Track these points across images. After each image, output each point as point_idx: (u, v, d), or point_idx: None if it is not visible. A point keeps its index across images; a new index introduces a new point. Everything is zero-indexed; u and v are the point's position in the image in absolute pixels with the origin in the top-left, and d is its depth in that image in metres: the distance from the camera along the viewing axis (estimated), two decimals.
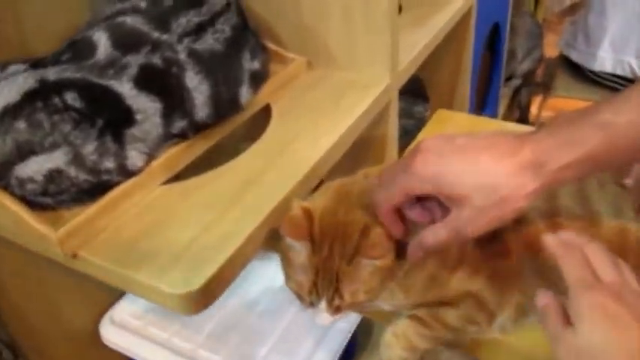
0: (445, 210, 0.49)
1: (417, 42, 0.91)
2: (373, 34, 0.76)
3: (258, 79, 0.73)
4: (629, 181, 0.61)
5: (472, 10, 1.18)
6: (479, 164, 0.46)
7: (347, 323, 0.84)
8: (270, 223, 0.57)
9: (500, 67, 1.69)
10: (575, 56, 1.85)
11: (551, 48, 2.41)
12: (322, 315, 0.59)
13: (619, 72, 1.64)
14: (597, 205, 0.60)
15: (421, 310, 0.61)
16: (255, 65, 0.72)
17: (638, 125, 0.43)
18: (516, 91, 2.17)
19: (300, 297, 0.59)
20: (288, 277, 0.59)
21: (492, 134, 0.49)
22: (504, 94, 2.06)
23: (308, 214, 0.56)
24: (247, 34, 0.73)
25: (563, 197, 0.60)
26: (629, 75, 1.60)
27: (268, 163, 0.64)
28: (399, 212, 0.53)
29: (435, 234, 0.50)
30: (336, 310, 0.58)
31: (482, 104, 1.66)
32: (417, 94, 1.51)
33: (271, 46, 0.82)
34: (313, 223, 0.56)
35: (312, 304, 0.59)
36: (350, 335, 0.86)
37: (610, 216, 0.58)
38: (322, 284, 0.56)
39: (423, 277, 0.60)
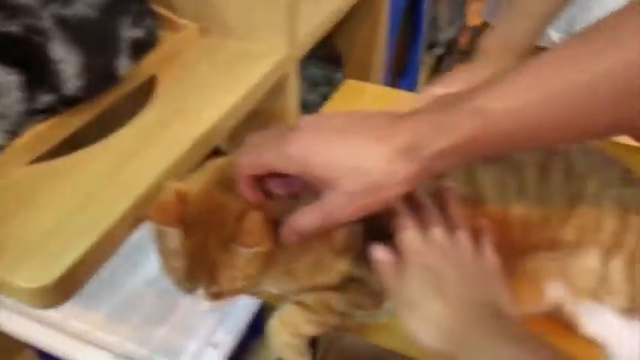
0: (307, 185, 0.47)
1: (322, 10, 0.87)
2: (269, 1, 0.72)
3: (140, 48, 0.67)
4: None
5: None
6: (352, 147, 0.44)
7: (251, 299, 0.82)
8: (143, 204, 0.53)
9: (420, 35, 1.67)
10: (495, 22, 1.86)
11: (477, 16, 2.42)
12: (202, 302, 0.56)
13: (541, 43, 1.66)
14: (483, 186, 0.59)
15: (308, 295, 0.59)
16: (138, 33, 0.67)
17: (515, 115, 0.40)
18: (439, 60, 2.18)
19: (176, 283, 0.56)
20: (162, 264, 0.55)
21: (372, 113, 0.46)
22: (427, 62, 2.06)
23: (181, 196, 0.52)
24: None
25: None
26: (549, 47, 1.62)
27: (146, 140, 0.60)
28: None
29: (305, 219, 0.48)
30: (215, 296, 0.55)
31: (401, 72, 1.65)
32: (337, 61, 1.48)
33: (161, 11, 0.76)
34: (186, 207, 0.52)
35: (190, 291, 0.55)
36: (255, 312, 0.83)
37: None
38: (197, 271, 0.53)
39: (308, 261, 0.57)
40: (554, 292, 0.58)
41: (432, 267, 0.49)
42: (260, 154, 0.48)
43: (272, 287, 0.60)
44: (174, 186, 0.53)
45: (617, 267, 0.57)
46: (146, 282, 0.89)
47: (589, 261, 0.57)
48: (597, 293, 0.57)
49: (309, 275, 0.58)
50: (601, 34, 0.38)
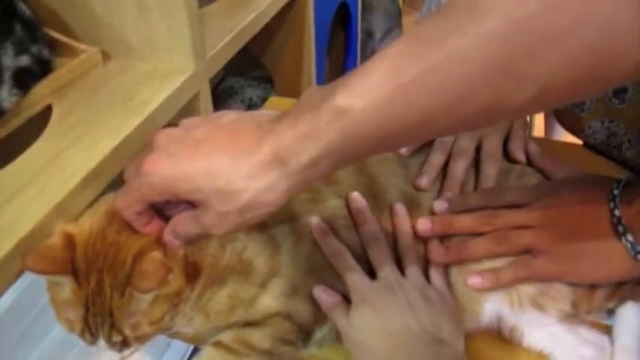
0: None
1: (235, 25, 0.82)
2: (170, 20, 0.67)
3: (27, 78, 0.62)
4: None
5: None
6: (214, 165, 0.39)
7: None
8: (26, 249, 0.47)
9: (354, 48, 1.65)
10: None
11: (414, 26, 2.43)
12: (108, 353, 0.50)
13: None
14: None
15: (226, 335, 0.53)
16: (23, 61, 0.61)
17: (376, 110, 0.35)
18: None
19: (78, 336, 0.49)
20: (57, 315, 0.49)
21: (233, 120, 0.41)
22: None
23: (68, 240, 0.47)
24: (11, 24, 0.61)
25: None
26: None
27: (35, 174, 0.54)
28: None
29: (184, 225, 0.44)
30: (121, 346, 0.49)
31: None
32: (269, 80, 1.45)
33: (56, 35, 0.70)
34: (76, 251, 0.46)
35: (92, 343, 0.49)
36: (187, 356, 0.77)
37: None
38: (95, 321, 0.47)
39: (224, 296, 0.52)
40: (494, 307, 0.54)
41: (379, 307, 0.47)
42: (128, 193, 0.43)
43: (186, 328, 0.54)
44: (61, 229, 0.47)
45: None
46: (62, 338, 0.81)
47: None
48: (539, 301, 0.53)
49: (227, 312, 0.53)
50: (459, 7, 0.33)
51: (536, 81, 0.32)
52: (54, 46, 0.69)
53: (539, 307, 0.54)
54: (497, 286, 0.53)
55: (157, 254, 0.45)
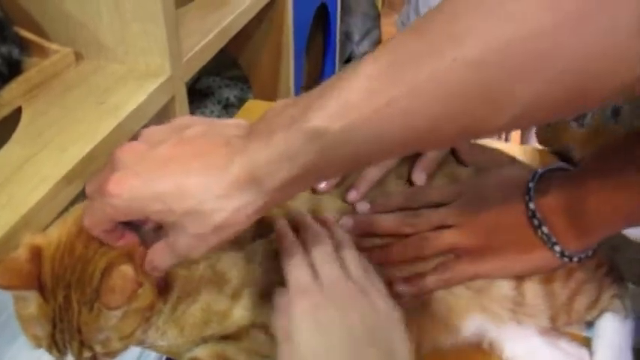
0: None
1: (213, 27, 0.81)
2: (145, 20, 0.65)
3: None
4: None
5: None
6: (184, 185, 0.37)
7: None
8: None
9: (333, 49, 1.64)
10: None
11: (393, 27, 2.43)
12: None
13: None
14: None
15: (202, 350, 0.52)
16: None
17: (353, 133, 0.34)
18: None
19: (47, 351, 0.47)
20: (23, 330, 0.47)
21: (200, 134, 0.40)
22: None
23: (35, 253, 0.45)
24: None
25: None
26: None
27: (2, 181, 0.51)
28: None
29: (159, 258, 0.43)
30: None
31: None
32: (246, 81, 1.43)
33: (28, 35, 0.68)
34: (42, 265, 0.44)
35: (61, 359, 0.47)
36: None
37: None
38: (63, 337, 0.45)
39: (198, 309, 0.50)
40: (472, 325, 0.53)
41: (319, 306, 0.44)
42: (94, 213, 0.42)
43: (159, 342, 0.52)
44: (28, 240, 0.45)
45: (531, 287, 0.53)
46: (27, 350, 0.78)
47: (502, 288, 0.53)
48: (517, 317, 0.53)
49: (201, 325, 0.51)
50: (437, 28, 0.32)
51: (514, 105, 0.31)
52: (24, 45, 0.67)
53: (518, 321, 0.53)
54: (423, 292, 0.52)
55: (125, 268, 0.44)
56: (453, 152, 0.61)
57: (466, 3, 0.31)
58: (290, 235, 0.50)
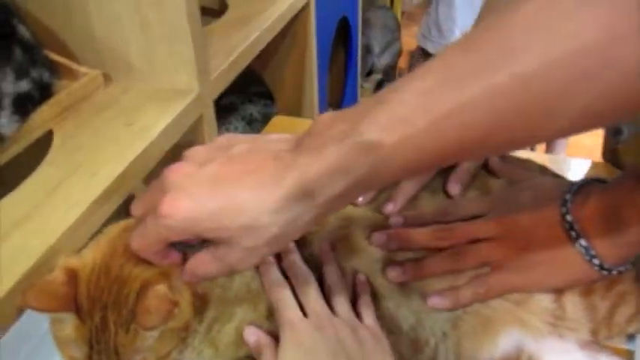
0: None
1: (238, 45, 0.81)
2: (172, 41, 0.66)
3: (27, 103, 0.60)
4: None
5: (310, 5, 1.10)
6: (237, 202, 0.38)
7: None
8: (27, 286, 0.45)
9: (354, 63, 1.64)
10: (430, 47, 1.87)
11: (413, 39, 2.43)
12: None
13: None
14: None
15: None
16: (23, 86, 0.59)
17: (408, 145, 0.35)
18: (379, 86, 2.16)
19: None
20: (60, 352, 0.47)
21: (246, 151, 0.40)
22: (367, 89, 2.04)
23: (71, 275, 0.45)
24: (11, 48, 0.60)
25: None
26: None
27: (37, 204, 0.52)
28: None
29: (205, 267, 0.42)
30: None
31: (339, 102, 1.61)
32: (271, 97, 1.44)
33: (57, 58, 0.69)
34: (78, 286, 0.44)
35: None
36: None
37: None
38: (99, 358, 0.45)
39: (232, 327, 0.50)
40: (511, 340, 0.52)
41: (309, 347, 0.45)
42: (145, 235, 0.42)
43: None
44: (63, 262, 0.45)
45: (571, 300, 0.52)
46: None
47: (542, 302, 0.52)
48: (557, 330, 0.52)
49: (236, 344, 0.51)
50: (491, 44, 0.33)
51: (567, 117, 0.33)
52: (54, 68, 0.68)
53: (559, 335, 0.52)
54: (459, 306, 0.52)
55: (161, 288, 0.44)
56: (484, 164, 0.61)
57: (521, 20, 0.32)
58: (275, 270, 0.50)
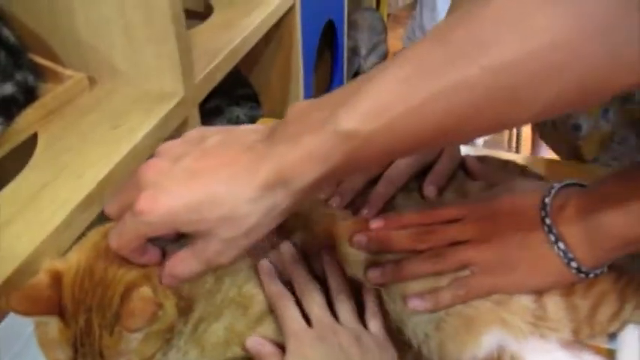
0: None
1: (223, 48, 0.81)
2: (157, 44, 0.66)
3: (12, 106, 0.60)
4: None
5: (295, 8, 1.11)
6: (214, 193, 0.38)
7: None
8: (11, 289, 0.45)
9: (341, 66, 1.65)
10: None
11: (399, 41, 2.44)
12: None
13: None
14: None
15: None
16: (7, 89, 0.59)
17: (385, 133, 0.36)
18: None
19: None
20: (45, 356, 0.47)
21: (219, 143, 0.41)
22: None
23: (55, 278, 0.45)
24: None
25: None
26: None
27: (21, 206, 0.52)
28: None
29: (184, 265, 0.42)
30: None
31: None
32: (255, 99, 1.44)
33: (42, 61, 0.69)
34: (62, 289, 0.44)
35: None
36: None
37: None
38: None
39: (220, 328, 0.50)
40: (492, 339, 0.52)
41: (313, 357, 0.46)
42: (124, 232, 0.42)
43: None
44: (48, 266, 0.45)
45: (552, 300, 0.52)
46: None
47: (521, 300, 0.52)
48: (539, 330, 0.52)
49: (223, 345, 0.51)
50: (463, 37, 0.35)
51: (538, 104, 0.34)
52: (39, 71, 0.68)
53: (540, 335, 0.53)
54: (438, 308, 0.52)
55: (145, 290, 0.44)
56: (463, 166, 0.61)
57: (491, 14, 0.34)
58: (277, 280, 0.51)
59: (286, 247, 0.53)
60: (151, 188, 0.39)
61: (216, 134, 0.42)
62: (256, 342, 0.49)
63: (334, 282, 0.52)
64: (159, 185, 0.39)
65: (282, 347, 0.49)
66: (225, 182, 0.38)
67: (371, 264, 0.54)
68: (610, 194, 0.48)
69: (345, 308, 0.49)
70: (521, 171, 0.62)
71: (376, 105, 0.35)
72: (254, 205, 0.38)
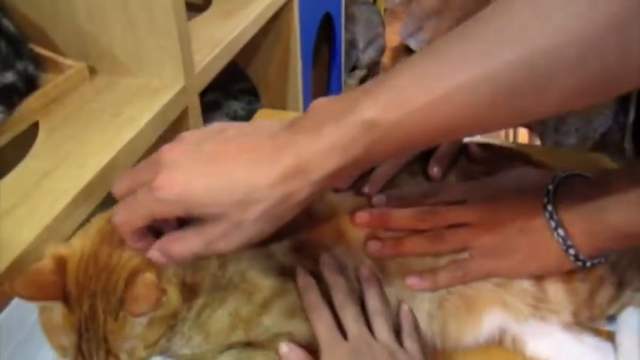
0: None
1: (222, 39, 0.81)
2: (158, 34, 0.66)
3: (13, 94, 0.60)
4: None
5: (293, 1, 1.11)
6: (233, 178, 0.38)
7: None
8: (15, 274, 0.46)
9: (338, 58, 1.65)
10: (413, 44, 1.88)
11: (396, 36, 2.44)
12: None
13: None
14: None
15: (226, 357, 0.52)
16: (8, 78, 0.59)
17: (408, 124, 0.37)
18: (362, 82, 2.16)
19: None
20: (49, 340, 0.47)
21: (241, 133, 0.41)
22: (350, 85, 2.05)
23: (59, 263, 0.45)
24: None
25: None
26: None
27: (23, 194, 0.52)
28: None
29: (184, 244, 0.42)
30: None
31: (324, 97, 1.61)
32: (255, 93, 1.44)
33: (42, 51, 0.69)
34: (66, 275, 0.45)
35: None
36: None
37: None
38: (89, 347, 0.45)
39: (225, 314, 0.50)
40: (493, 321, 0.53)
41: None
42: (134, 208, 0.41)
43: (184, 349, 0.52)
44: (52, 251, 0.46)
45: (552, 284, 0.53)
46: None
47: (522, 283, 0.53)
48: (539, 313, 0.53)
49: (227, 331, 0.51)
50: (486, 34, 0.36)
51: (554, 98, 0.36)
52: (39, 61, 0.68)
53: (541, 317, 0.53)
54: (436, 287, 0.53)
55: (149, 276, 0.44)
56: (466, 153, 0.62)
57: (511, 12, 0.35)
58: (316, 290, 0.50)
59: (326, 258, 0.53)
60: (171, 167, 0.39)
61: (237, 126, 0.42)
62: (290, 348, 0.49)
63: (372, 297, 0.51)
64: (179, 164, 0.39)
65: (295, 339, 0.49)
66: (244, 167, 0.38)
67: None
68: (613, 188, 0.49)
69: (381, 324, 0.49)
70: (524, 158, 0.63)
71: (397, 96, 0.37)
72: (270, 191, 0.38)
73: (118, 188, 0.43)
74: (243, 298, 0.51)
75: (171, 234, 0.43)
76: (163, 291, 0.44)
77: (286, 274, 0.51)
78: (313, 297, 0.50)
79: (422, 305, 0.53)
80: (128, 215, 0.42)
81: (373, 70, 2.17)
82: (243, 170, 0.38)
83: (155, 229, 0.45)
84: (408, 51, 2.00)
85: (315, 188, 0.39)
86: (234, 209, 0.39)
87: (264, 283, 0.51)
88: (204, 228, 0.41)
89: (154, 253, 0.43)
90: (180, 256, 0.43)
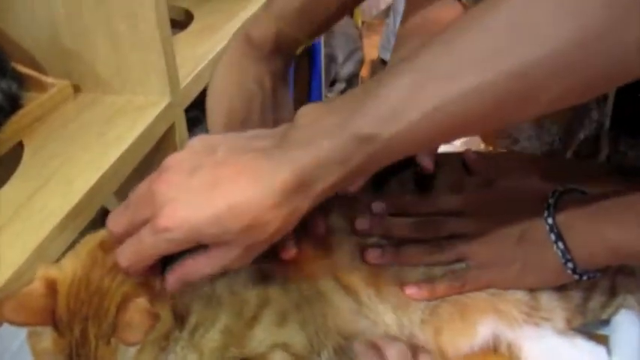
0: None
1: (206, 54, 0.81)
2: (142, 51, 0.66)
3: None
4: None
5: None
6: (237, 203, 0.38)
7: None
8: (3, 298, 0.44)
9: (318, 72, 1.65)
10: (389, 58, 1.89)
11: (375, 49, 2.46)
12: None
13: None
14: None
15: None
16: None
17: (404, 135, 0.37)
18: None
19: None
20: None
21: (236, 151, 0.40)
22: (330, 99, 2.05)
23: (50, 287, 0.44)
24: None
25: None
26: None
27: (8, 217, 0.51)
28: None
29: (201, 270, 0.42)
30: None
31: None
32: None
33: (25, 70, 0.68)
34: (57, 298, 0.44)
35: None
36: None
37: None
38: None
39: (217, 332, 0.50)
40: (488, 328, 0.53)
41: None
42: (141, 250, 0.41)
43: None
44: (42, 273, 0.45)
45: (545, 291, 0.53)
46: None
47: (516, 293, 0.53)
48: (532, 320, 0.53)
49: (221, 348, 0.50)
50: (476, 41, 0.37)
51: (543, 104, 0.37)
52: (22, 80, 0.67)
53: (534, 324, 0.54)
54: (434, 297, 0.53)
55: (141, 301, 0.43)
56: (462, 161, 0.62)
57: (499, 24, 0.36)
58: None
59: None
60: (172, 203, 0.38)
61: (222, 142, 0.42)
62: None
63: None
64: (178, 200, 0.38)
65: None
66: (246, 191, 0.38)
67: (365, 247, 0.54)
68: (611, 207, 0.50)
69: None
70: (519, 167, 0.63)
71: (392, 110, 0.37)
72: (277, 211, 0.38)
73: (116, 228, 0.42)
74: (233, 315, 0.50)
75: (184, 263, 0.42)
76: (156, 316, 0.43)
77: (266, 277, 0.51)
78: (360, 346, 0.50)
79: (415, 313, 0.53)
80: (136, 257, 0.42)
81: (352, 83, 2.18)
82: (246, 194, 0.38)
83: None
84: (384, 64, 2.01)
85: (317, 199, 0.40)
86: (245, 235, 0.39)
87: (250, 293, 0.50)
88: (217, 254, 0.41)
89: (173, 285, 0.43)
90: (196, 278, 0.43)
